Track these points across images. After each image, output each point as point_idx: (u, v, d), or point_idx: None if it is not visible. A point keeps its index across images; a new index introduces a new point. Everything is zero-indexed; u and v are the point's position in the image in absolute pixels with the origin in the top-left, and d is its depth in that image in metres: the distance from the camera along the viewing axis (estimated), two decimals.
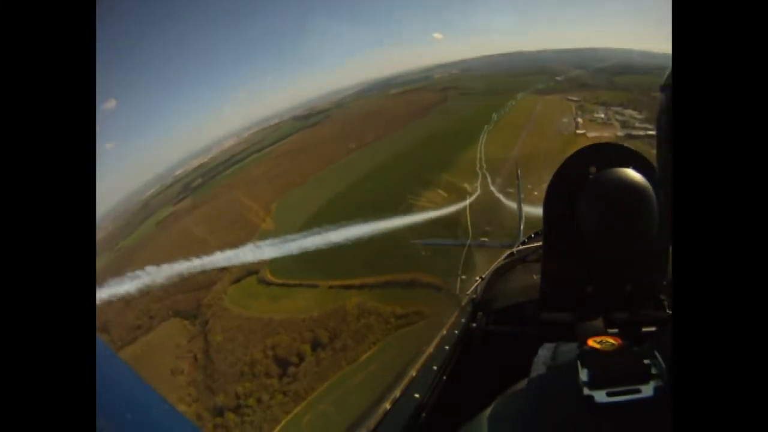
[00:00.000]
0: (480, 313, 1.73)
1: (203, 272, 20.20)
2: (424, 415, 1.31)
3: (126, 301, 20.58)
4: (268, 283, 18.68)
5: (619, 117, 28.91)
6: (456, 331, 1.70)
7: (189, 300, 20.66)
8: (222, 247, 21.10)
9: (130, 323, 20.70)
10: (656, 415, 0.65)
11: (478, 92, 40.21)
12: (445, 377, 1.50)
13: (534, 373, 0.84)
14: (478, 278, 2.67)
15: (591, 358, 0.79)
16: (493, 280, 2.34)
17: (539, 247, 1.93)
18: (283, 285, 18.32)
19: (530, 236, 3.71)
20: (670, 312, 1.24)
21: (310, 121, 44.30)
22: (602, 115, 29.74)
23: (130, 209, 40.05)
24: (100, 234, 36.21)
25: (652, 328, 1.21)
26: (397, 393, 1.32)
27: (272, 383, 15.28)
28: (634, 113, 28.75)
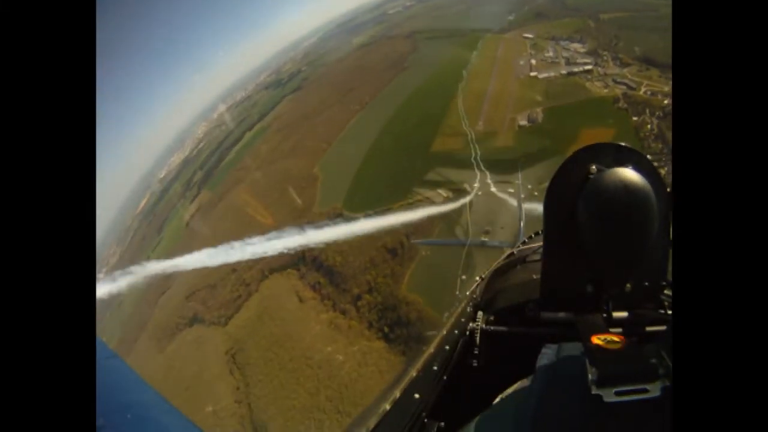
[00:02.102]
0: (480, 313, 1.73)
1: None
2: (424, 415, 1.31)
3: (211, 286, 23.72)
4: (347, 218, 23.71)
5: (564, 53, 29.60)
6: (456, 331, 1.70)
7: (279, 257, 23.29)
8: (295, 211, 25.15)
9: (226, 298, 23.15)
10: (662, 415, 0.66)
11: (443, 34, 39.91)
12: (445, 377, 1.50)
13: (539, 372, 0.84)
14: (478, 278, 2.67)
15: (599, 357, 0.80)
16: (493, 280, 2.34)
17: (539, 247, 1.93)
18: (360, 215, 23.41)
19: (530, 236, 3.70)
20: (670, 312, 1.24)
21: (289, 86, 43.28)
22: (551, 54, 30.50)
23: (132, 225, 40.12)
24: (114, 257, 36.78)
25: (654, 328, 1.21)
26: (397, 393, 1.32)
27: (389, 264, 19.88)
28: (579, 47, 29.33)
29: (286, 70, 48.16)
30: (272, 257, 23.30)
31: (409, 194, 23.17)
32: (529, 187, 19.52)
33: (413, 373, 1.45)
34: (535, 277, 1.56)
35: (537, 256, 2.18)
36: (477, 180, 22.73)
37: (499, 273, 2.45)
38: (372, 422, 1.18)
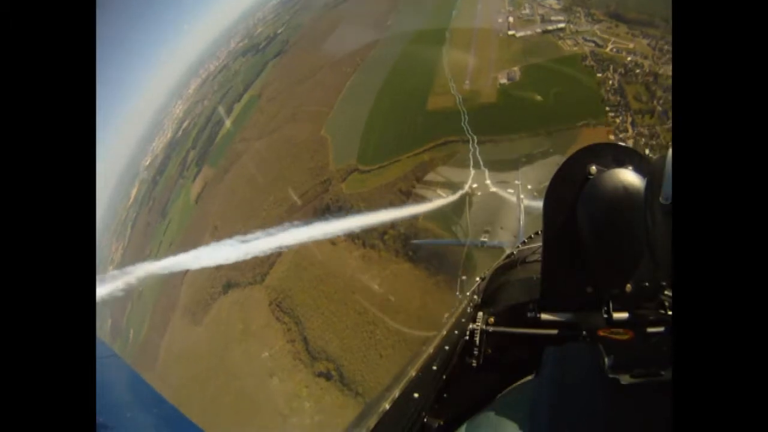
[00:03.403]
0: (480, 314, 1.73)
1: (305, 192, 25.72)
2: (423, 414, 1.31)
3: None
4: (363, 171, 25.89)
5: (540, 10, 30.14)
6: (456, 331, 1.70)
7: (309, 208, 25.52)
8: (311, 171, 26.90)
9: (258, 258, 24.44)
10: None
11: None
12: (445, 377, 1.50)
13: (545, 367, 0.84)
14: (478, 278, 2.67)
15: (613, 345, 0.81)
16: (493, 280, 2.34)
17: (539, 247, 1.93)
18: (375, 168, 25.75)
19: (530, 236, 3.70)
20: (670, 312, 1.24)
21: (270, 51, 41.53)
22: (527, 11, 31.06)
23: (129, 216, 39.56)
24: (117, 252, 36.67)
25: (654, 329, 1.21)
26: (396, 393, 1.32)
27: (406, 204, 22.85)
28: (554, 2, 29.91)
29: (259, 34, 45.93)
30: (298, 210, 25.22)
31: (416, 146, 25.26)
32: (530, 187, 19.59)
33: (413, 372, 1.45)
34: (535, 277, 1.56)
35: (537, 256, 2.18)
36: (473, 144, 23.99)
37: (499, 273, 2.45)
38: (372, 422, 1.17)
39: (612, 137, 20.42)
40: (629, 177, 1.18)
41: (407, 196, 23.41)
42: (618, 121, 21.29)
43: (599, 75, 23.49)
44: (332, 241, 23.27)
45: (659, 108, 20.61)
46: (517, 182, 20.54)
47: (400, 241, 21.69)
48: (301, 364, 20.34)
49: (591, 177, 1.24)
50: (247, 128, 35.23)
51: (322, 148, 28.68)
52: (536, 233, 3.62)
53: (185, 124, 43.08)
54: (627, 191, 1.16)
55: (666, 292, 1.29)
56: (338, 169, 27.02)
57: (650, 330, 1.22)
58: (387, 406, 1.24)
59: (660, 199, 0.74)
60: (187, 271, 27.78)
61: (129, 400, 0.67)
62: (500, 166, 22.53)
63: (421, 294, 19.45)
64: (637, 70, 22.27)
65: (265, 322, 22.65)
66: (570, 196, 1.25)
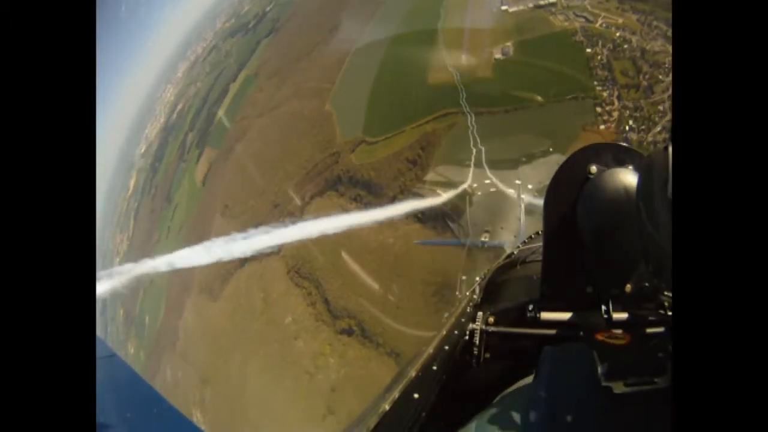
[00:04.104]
0: (480, 314, 1.73)
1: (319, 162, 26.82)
2: (423, 415, 1.31)
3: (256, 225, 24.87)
4: (370, 143, 27.01)
5: None
6: (456, 331, 1.69)
7: (320, 180, 26.65)
8: (318, 144, 27.91)
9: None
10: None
11: None
12: (445, 377, 1.49)
13: (542, 370, 0.84)
14: (478, 278, 2.67)
15: (608, 352, 0.81)
16: (493, 280, 2.33)
17: (539, 247, 1.93)
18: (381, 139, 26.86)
19: (530, 236, 3.71)
20: (670, 312, 1.24)
21: (261, 30, 40.32)
22: None
23: (130, 207, 39.25)
24: (123, 243, 36.80)
25: (654, 330, 1.21)
26: (396, 393, 1.32)
27: (412, 171, 24.54)
28: None
29: (246, 13, 44.53)
30: (310, 182, 26.22)
31: (418, 118, 26.28)
32: (530, 186, 19.65)
33: (413, 373, 1.44)
34: (535, 277, 1.56)
35: (537, 256, 2.18)
36: (471, 122, 24.61)
37: (499, 273, 2.45)
38: (372, 422, 1.17)
39: (598, 109, 21.09)
40: (629, 177, 1.18)
41: (413, 165, 24.58)
42: (605, 95, 21.66)
43: (588, 50, 23.96)
44: (345, 209, 24.35)
45: (644, 83, 21.05)
46: (517, 182, 20.58)
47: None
48: (323, 324, 21.71)
49: (591, 177, 1.24)
50: (247, 107, 34.95)
51: (328, 123, 29.22)
52: (536, 233, 3.63)
53: (179, 108, 42.13)
54: (627, 191, 1.16)
55: (666, 293, 1.29)
56: (346, 142, 27.77)
57: (649, 331, 1.22)
58: (387, 407, 1.24)
59: (668, 194, 0.73)
60: None
61: (129, 400, 0.67)
62: (500, 165, 22.64)
63: (431, 250, 21.52)
64: (625, 46, 22.60)
65: (285, 290, 23.82)
66: (570, 195, 1.25)
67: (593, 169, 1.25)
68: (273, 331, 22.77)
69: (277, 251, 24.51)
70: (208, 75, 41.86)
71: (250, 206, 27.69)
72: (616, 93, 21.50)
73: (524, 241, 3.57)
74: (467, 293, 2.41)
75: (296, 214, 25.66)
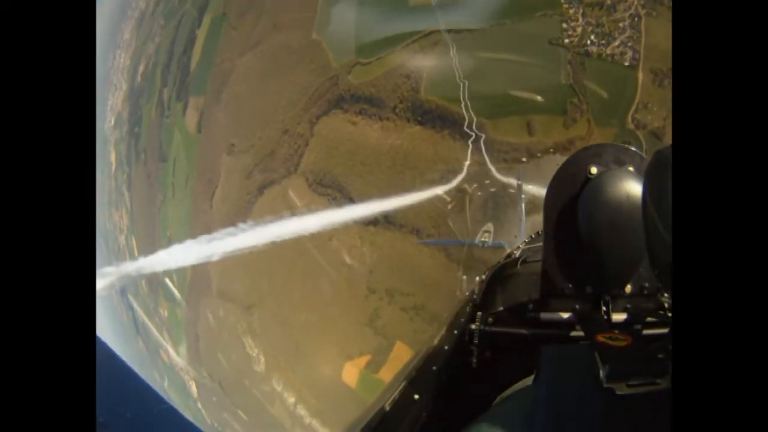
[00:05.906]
0: (480, 313, 1.73)
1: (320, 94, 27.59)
2: (424, 415, 1.31)
3: (269, 154, 27.97)
4: (365, 63, 27.58)
5: None
6: (456, 331, 1.69)
7: (323, 102, 27.31)
8: (316, 71, 28.35)
9: (288, 153, 27.45)
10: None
11: None
12: (445, 377, 1.49)
13: (542, 371, 0.84)
14: (478, 278, 2.67)
15: (609, 353, 0.81)
16: (493, 280, 2.34)
17: (539, 247, 1.93)
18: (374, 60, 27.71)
19: (530, 236, 3.71)
20: (670, 312, 1.24)
21: None
22: None
23: (120, 180, 37.54)
24: (124, 217, 36.02)
25: (654, 330, 1.21)
26: (396, 393, 1.32)
27: (408, 83, 25.77)
28: None
29: None
30: (314, 105, 27.32)
31: (406, 37, 27.24)
32: (530, 186, 19.64)
33: (413, 373, 1.44)
34: (535, 277, 1.56)
35: (537, 256, 2.18)
36: (453, 52, 25.18)
37: (499, 273, 2.45)
38: (372, 422, 1.17)
39: (564, 25, 21.64)
40: (630, 177, 1.18)
41: (408, 78, 26.03)
42: (571, 12, 21.92)
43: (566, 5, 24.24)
44: (352, 122, 26.36)
45: (608, 1, 21.38)
46: (518, 182, 20.57)
47: (410, 111, 25.58)
48: (350, 221, 24.35)
49: (591, 177, 1.24)
50: (224, 49, 33.31)
51: (319, 50, 29.78)
52: (536, 233, 3.63)
53: (141, 69, 39.25)
54: (628, 192, 1.16)
55: (665, 293, 1.29)
56: (341, 65, 28.53)
57: (649, 332, 1.22)
58: (387, 407, 1.24)
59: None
60: (213, 194, 29.07)
61: (129, 400, 0.67)
62: (501, 164, 22.62)
63: (433, 145, 23.84)
64: None
65: (309, 201, 25.75)
66: (570, 196, 1.25)
67: (593, 169, 1.25)
68: (306, 242, 24.44)
69: (294, 170, 26.40)
70: (165, 27, 38.55)
71: (258, 138, 28.45)
72: (581, 11, 21.99)
73: (524, 241, 3.57)
74: (467, 293, 2.41)
75: (305, 135, 26.93)
